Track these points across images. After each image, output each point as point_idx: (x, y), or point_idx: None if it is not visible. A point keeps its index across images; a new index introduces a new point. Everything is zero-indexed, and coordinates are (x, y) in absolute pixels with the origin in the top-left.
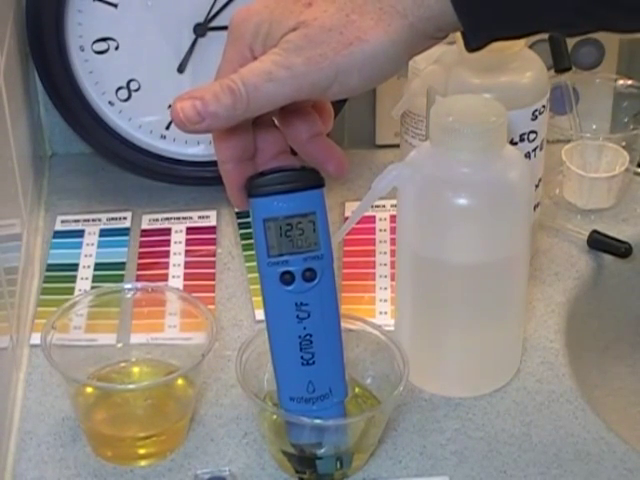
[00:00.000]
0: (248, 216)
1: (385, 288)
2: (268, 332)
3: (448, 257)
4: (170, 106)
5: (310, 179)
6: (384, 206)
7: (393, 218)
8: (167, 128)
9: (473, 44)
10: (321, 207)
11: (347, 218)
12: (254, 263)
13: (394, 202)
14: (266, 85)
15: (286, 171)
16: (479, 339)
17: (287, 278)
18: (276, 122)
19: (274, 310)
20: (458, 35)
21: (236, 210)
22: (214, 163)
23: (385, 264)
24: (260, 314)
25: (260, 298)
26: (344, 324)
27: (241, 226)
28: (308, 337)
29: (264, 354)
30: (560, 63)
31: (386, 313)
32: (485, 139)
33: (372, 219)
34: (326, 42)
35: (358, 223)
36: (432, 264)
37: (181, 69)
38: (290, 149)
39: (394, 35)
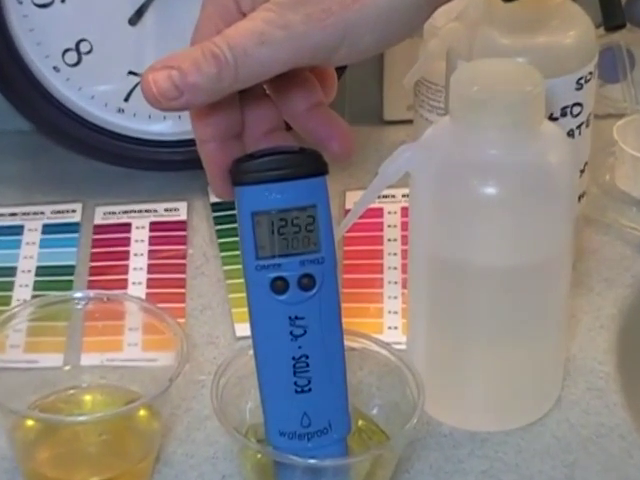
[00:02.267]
0: (226, 209)
1: (395, 297)
2: (254, 352)
3: (472, 259)
4: (131, 72)
5: (310, 164)
6: (394, 196)
7: (405, 211)
8: (126, 100)
9: None
10: (323, 199)
11: (348, 211)
12: (234, 266)
13: (406, 191)
14: (258, 49)
15: (281, 153)
16: (510, 360)
17: (279, 285)
18: (267, 91)
19: (263, 325)
20: None
21: (212, 201)
22: (185, 143)
23: (395, 268)
24: (241, 329)
25: (241, 310)
26: (345, 342)
27: (218, 221)
28: (304, 358)
29: (246, 378)
30: (611, 19)
31: (396, 328)
32: (518, 113)
33: (379, 212)
34: None
35: (362, 217)
36: (453, 267)
37: (133, 21)
38: (285, 124)
39: None
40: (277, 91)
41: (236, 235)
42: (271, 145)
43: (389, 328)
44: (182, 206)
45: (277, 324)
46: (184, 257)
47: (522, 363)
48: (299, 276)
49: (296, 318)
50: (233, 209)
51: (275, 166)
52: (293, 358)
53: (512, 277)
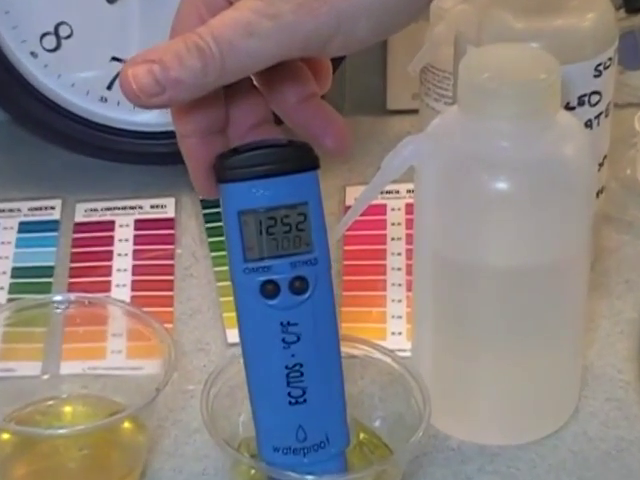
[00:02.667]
0: (217, 205)
1: (399, 300)
2: (244, 361)
3: (482, 259)
4: (114, 59)
5: (300, 158)
6: (398, 192)
7: (410, 208)
8: (109, 88)
9: None
10: (315, 195)
11: (348, 208)
12: (225, 267)
13: (411, 186)
14: (246, 41)
15: (268, 147)
16: (523, 368)
17: (270, 289)
18: (255, 82)
19: (252, 332)
20: None
21: (201, 197)
22: (172, 134)
23: (399, 269)
24: (233, 335)
25: (233, 314)
26: (345, 349)
27: (208, 218)
28: (297, 367)
29: (239, 388)
30: (633, 1)
31: (400, 334)
32: (532, 103)
33: (382, 209)
34: None
35: (363, 214)
36: (461, 268)
37: None
38: (274, 117)
39: None
40: (266, 83)
41: None
42: (257, 139)
43: (393, 334)
44: (169, 202)
45: (268, 331)
46: (172, 257)
47: (536, 372)
48: (290, 279)
49: (288, 324)
50: None
51: (262, 161)
52: (286, 367)
53: (525, 279)
